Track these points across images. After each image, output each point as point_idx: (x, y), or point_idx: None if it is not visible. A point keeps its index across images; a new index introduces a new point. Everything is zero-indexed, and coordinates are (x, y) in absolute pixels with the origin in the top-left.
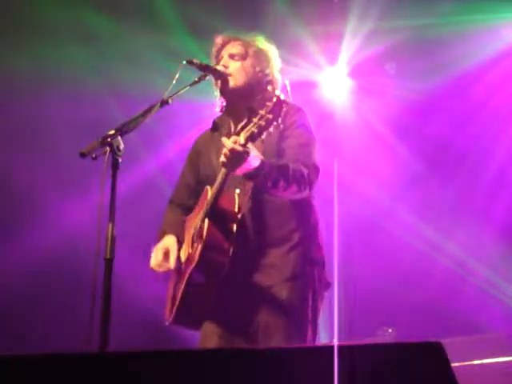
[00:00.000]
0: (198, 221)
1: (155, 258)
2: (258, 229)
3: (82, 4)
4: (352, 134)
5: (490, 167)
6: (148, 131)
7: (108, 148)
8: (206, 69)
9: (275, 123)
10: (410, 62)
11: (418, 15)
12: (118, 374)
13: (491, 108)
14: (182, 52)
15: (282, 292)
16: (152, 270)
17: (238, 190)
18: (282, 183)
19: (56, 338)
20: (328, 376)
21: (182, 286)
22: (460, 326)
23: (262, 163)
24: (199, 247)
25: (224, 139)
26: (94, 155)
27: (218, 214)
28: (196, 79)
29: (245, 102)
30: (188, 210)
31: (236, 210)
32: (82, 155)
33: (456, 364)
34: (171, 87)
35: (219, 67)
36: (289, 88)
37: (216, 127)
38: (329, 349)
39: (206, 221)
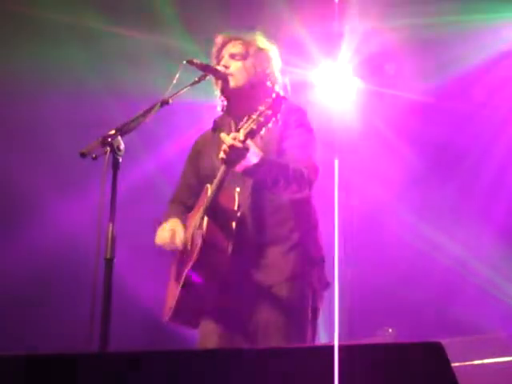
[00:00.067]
0: (197, 218)
1: (162, 236)
2: (258, 227)
3: (82, 4)
4: (352, 134)
5: (490, 167)
6: (148, 131)
7: (108, 148)
8: (206, 69)
9: (274, 119)
10: (410, 62)
11: (418, 15)
12: (117, 374)
13: (491, 108)
14: (182, 52)
15: (282, 291)
16: (157, 246)
17: (237, 188)
18: (281, 182)
19: (56, 338)
20: (328, 376)
21: (181, 284)
22: (460, 326)
23: (262, 160)
24: (198, 244)
25: (223, 135)
26: (94, 155)
27: (217, 212)
28: (196, 79)
29: (245, 101)
30: (189, 209)
31: (235, 207)
32: (82, 155)
33: (456, 364)
34: (171, 87)
35: (220, 67)
36: (289, 87)
37: (217, 127)
38: (329, 349)
39: (206, 218)
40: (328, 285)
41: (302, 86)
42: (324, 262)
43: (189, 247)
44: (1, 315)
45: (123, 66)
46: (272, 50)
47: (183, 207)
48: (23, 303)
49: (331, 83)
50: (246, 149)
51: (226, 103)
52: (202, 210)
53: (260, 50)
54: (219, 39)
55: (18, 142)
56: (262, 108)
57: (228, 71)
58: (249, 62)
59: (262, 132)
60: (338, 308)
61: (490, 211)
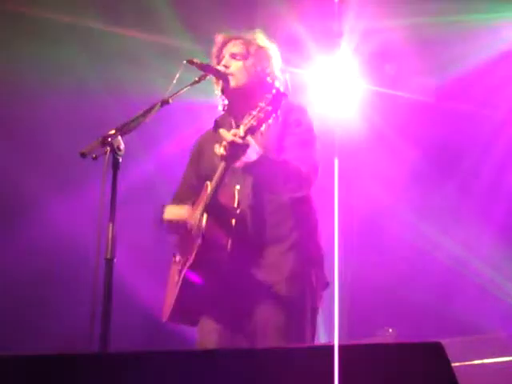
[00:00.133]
0: (197, 215)
1: (170, 212)
2: (257, 225)
3: (82, 4)
4: (352, 134)
5: (490, 167)
6: (148, 131)
7: (108, 148)
8: (206, 68)
9: (274, 115)
10: (410, 62)
11: (418, 15)
12: (117, 374)
13: (491, 108)
14: (182, 52)
15: (281, 291)
16: (165, 221)
17: (237, 186)
18: (281, 180)
19: (56, 337)
20: (328, 376)
21: (180, 282)
22: (460, 325)
23: (262, 157)
24: (198, 241)
25: (223, 132)
26: (94, 155)
27: (217, 209)
28: (196, 79)
29: (246, 101)
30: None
31: (235, 205)
32: (83, 155)
33: (456, 364)
34: (172, 87)
35: (220, 67)
36: (289, 84)
37: (218, 126)
38: (329, 349)
39: (205, 215)
40: (327, 285)
41: (302, 86)
42: (323, 262)
43: (188, 244)
44: (1, 315)
45: (123, 66)
46: (272, 49)
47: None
48: (23, 303)
49: (331, 83)
50: (246, 145)
51: (226, 102)
52: (201, 206)
53: (260, 48)
54: (219, 38)
55: (18, 142)
56: (262, 104)
57: (228, 71)
58: (249, 61)
59: (263, 128)
60: (338, 308)
61: (490, 211)
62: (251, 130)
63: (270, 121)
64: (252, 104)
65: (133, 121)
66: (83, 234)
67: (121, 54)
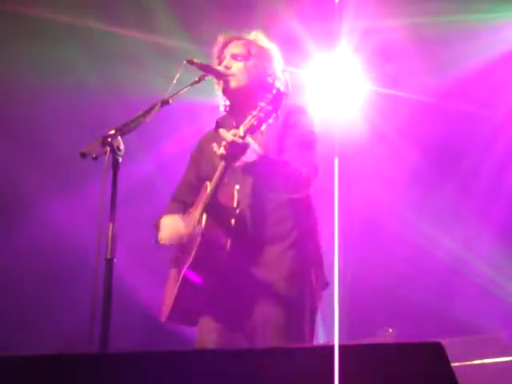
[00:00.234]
0: (196, 215)
1: (162, 233)
2: (257, 225)
3: (82, 4)
4: (351, 134)
5: (490, 167)
6: (148, 131)
7: (108, 148)
8: (206, 69)
9: (275, 114)
10: (410, 62)
11: (418, 15)
12: (117, 374)
13: (491, 108)
14: (182, 52)
15: (280, 290)
16: (159, 243)
17: (237, 186)
18: (280, 180)
19: (56, 338)
20: (328, 376)
21: (179, 282)
22: (460, 326)
23: (261, 157)
24: (197, 240)
25: (223, 132)
26: (94, 155)
27: (216, 209)
28: (196, 79)
29: (247, 101)
30: (188, 208)
31: (235, 205)
32: (83, 155)
33: (456, 364)
34: (172, 87)
35: (220, 68)
36: (290, 83)
37: (219, 127)
38: (329, 349)
39: (205, 215)
40: (327, 284)
41: (302, 86)
42: (322, 261)
43: (187, 244)
44: (1, 315)
45: (123, 66)
46: (273, 49)
47: (183, 206)
48: (23, 303)
49: (331, 83)
50: (246, 145)
51: (228, 103)
52: (201, 206)
53: (262, 49)
54: (221, 39)
55: (18, 142)
56: (262, 104)
57: (229, 72)
58: (251, 62)
59: (263, 128)
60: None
61: (490, 211)
62: (251, 130)
63: (271, 120)
64: (253, 104)
65: (133, 121)
66: (83, 233)
67: (121, 54)
